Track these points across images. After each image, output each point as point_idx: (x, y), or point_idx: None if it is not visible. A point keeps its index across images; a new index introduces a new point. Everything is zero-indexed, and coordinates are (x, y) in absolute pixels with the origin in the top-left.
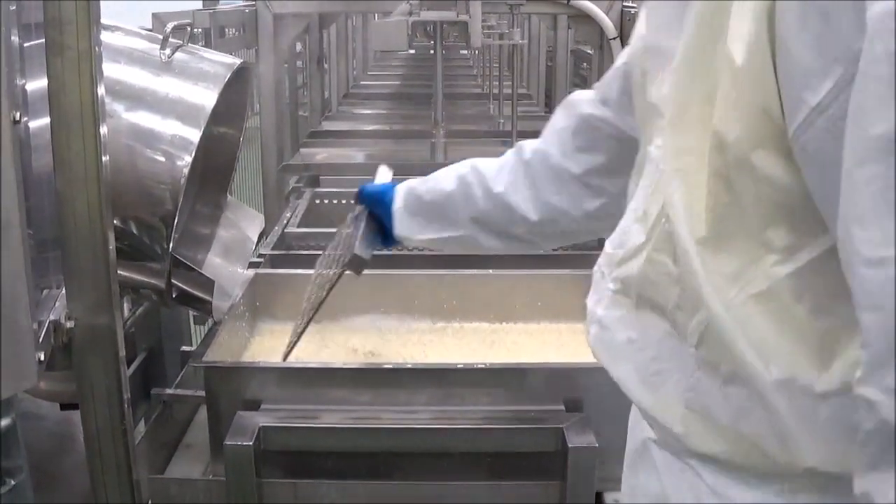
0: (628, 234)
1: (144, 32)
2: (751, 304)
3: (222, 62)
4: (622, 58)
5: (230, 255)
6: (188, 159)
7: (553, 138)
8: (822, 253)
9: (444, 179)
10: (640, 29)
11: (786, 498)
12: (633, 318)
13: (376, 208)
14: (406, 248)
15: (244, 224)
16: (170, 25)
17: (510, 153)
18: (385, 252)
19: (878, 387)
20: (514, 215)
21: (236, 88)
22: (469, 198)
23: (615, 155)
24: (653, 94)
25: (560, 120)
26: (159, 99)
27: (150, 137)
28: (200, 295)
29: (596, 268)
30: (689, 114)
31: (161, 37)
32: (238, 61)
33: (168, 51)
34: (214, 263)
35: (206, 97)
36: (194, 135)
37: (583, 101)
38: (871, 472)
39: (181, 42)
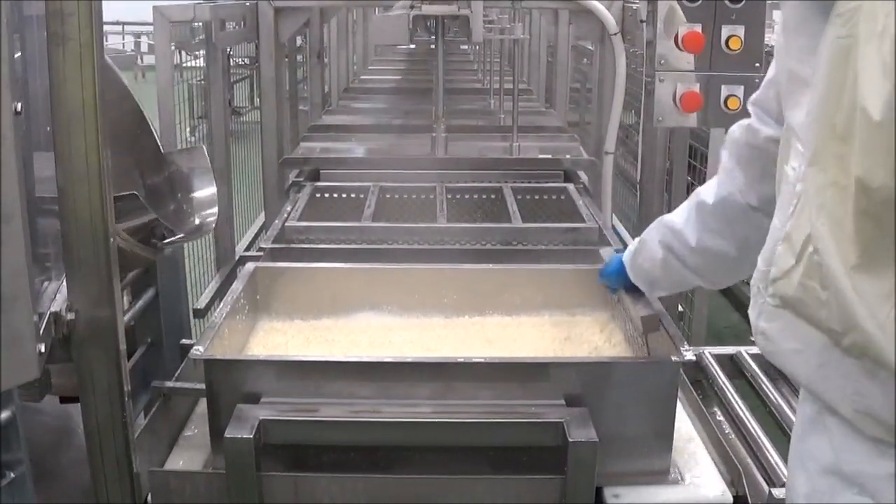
0: (775, 253)
1: None
2: None
3: None
4: (771, 71)
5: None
6: None
7: (726, 178)
8: None
9: (651, 245)
10: (778, 47)
11: None
12: (793, 329)
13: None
14: (406, 242)
15: (188, 160)
16: None
17: (690, 204)
18: (385, 246)
19: None
20: (720, 259)
21: None
22: (678, 257)
23: None
24: (791, 117)
25: (727, 158)
26: None
27: None
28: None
29: (752, 282)
30: (825, 152)
31: None
32: None
33: None
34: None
35: None
36: None
37: (741, 130)
38: None
39: None
